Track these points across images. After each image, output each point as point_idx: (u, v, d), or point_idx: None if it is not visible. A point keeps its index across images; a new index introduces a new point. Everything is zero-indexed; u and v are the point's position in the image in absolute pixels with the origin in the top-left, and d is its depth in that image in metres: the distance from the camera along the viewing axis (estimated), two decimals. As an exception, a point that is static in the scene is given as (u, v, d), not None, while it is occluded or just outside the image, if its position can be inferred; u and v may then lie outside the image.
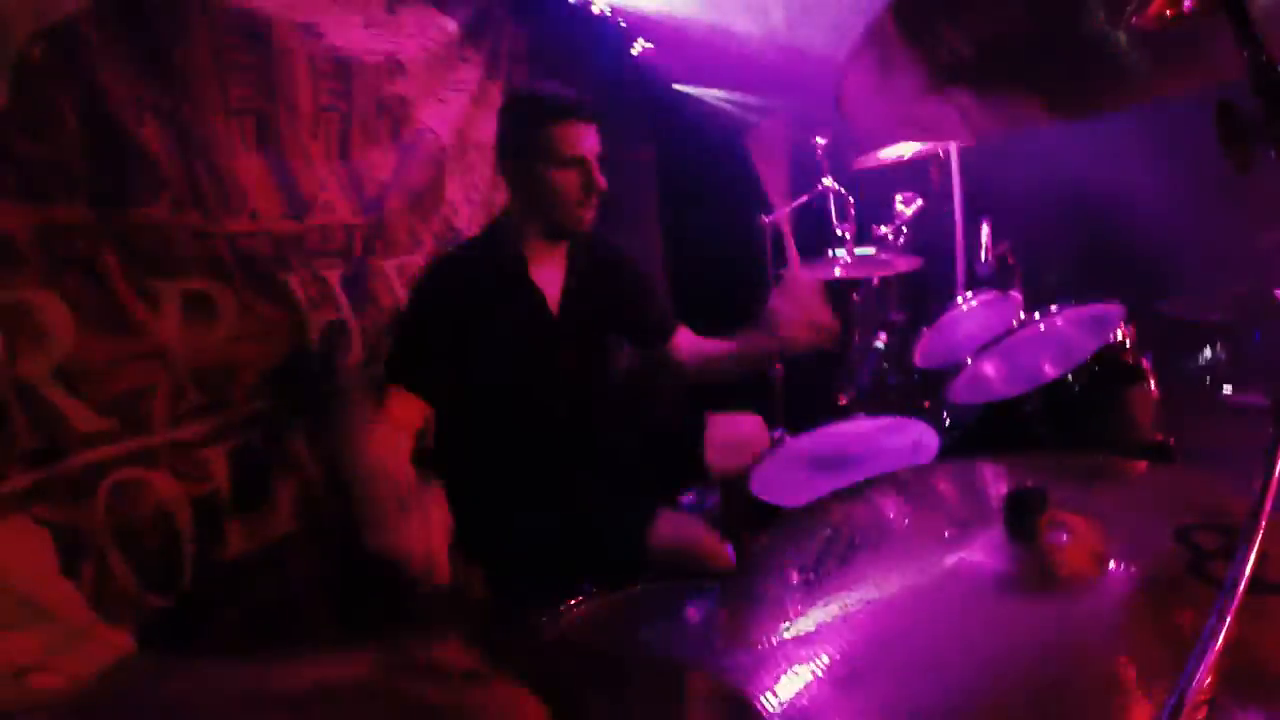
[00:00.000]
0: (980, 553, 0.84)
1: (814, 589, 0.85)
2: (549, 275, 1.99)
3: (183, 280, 1.81)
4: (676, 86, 4.85)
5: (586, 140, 1.86)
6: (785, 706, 0.70)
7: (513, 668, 0.70)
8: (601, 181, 1.89)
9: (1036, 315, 2.04)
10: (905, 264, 2.90)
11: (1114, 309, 1.73)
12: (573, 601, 1.41)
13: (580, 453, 2.05)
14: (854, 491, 1.09)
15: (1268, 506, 0.60)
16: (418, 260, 2.65)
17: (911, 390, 2.65)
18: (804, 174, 3.20)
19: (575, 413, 2.05)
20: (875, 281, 3.21)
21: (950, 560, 0.85)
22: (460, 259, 1.99)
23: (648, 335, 2.25)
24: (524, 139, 1.87)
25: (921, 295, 3.45)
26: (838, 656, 0.75)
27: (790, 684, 0.72)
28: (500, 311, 1.89)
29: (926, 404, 2.32)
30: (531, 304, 1.95)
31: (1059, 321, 1.98)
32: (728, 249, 4.37)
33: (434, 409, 1.83)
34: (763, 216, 3.35)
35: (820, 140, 3.19)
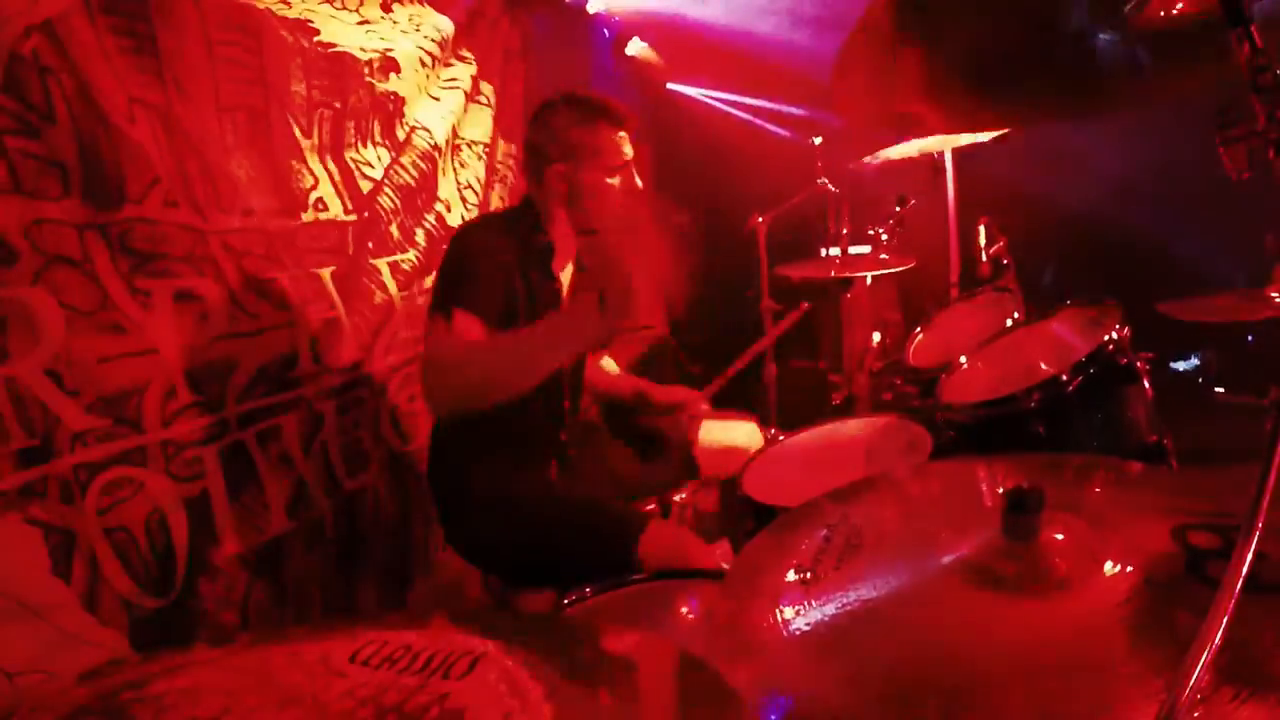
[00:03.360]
0: (976, 552, 0.84)
1: (810, 589, 0.85)
2: (563, 272, 2.01)
3: (174, 278, 1.80)
4: (671, 85, 4.86)
5: (629, 146, 1.92)
6: (781, 706, 0.69)
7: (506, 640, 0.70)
8: (640, 184, 1.94)
9: (1031, 315, 2.05)
10: (899, 263, 2.91)
11: (1109, 309, 1.73)
12: (566, 601, 1.42)
13: (572, 452, 2.05)
14: (849, 491, 1.09)
15: (1265, 506, 0.60)
16: (410, 258, 2.65)
17: (905, 390, 2.65)
18: (799, 173, 3.20)
19: (571, 412, 2.05)
20: (869, 281, 3.21)
21: (946, 560, 0.85)
22: (503, 224, 1.97)
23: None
24: (576, 140, 1.88)
25: (916, 294, 3.46)
26: (834, 656, 0.75)
27: (787, 683, 0.72)
28: (529, 286, 1.88)
29: (920, 403, 2.33)
30: (551, 292, 1.95)
31: (1054, 321, 1.98)
32: (720, 248, 4.38)
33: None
34: (755, 216, 3.35)
35: (816, 140, 3.19)
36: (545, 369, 1.67)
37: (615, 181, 1.90)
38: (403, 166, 2.66)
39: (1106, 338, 1.60)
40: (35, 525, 1.48)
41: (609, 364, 2.40)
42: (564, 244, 1.97)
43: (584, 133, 1.88)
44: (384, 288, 2.52)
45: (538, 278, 1.91)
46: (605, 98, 1.93)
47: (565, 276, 2.02)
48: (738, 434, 2.21)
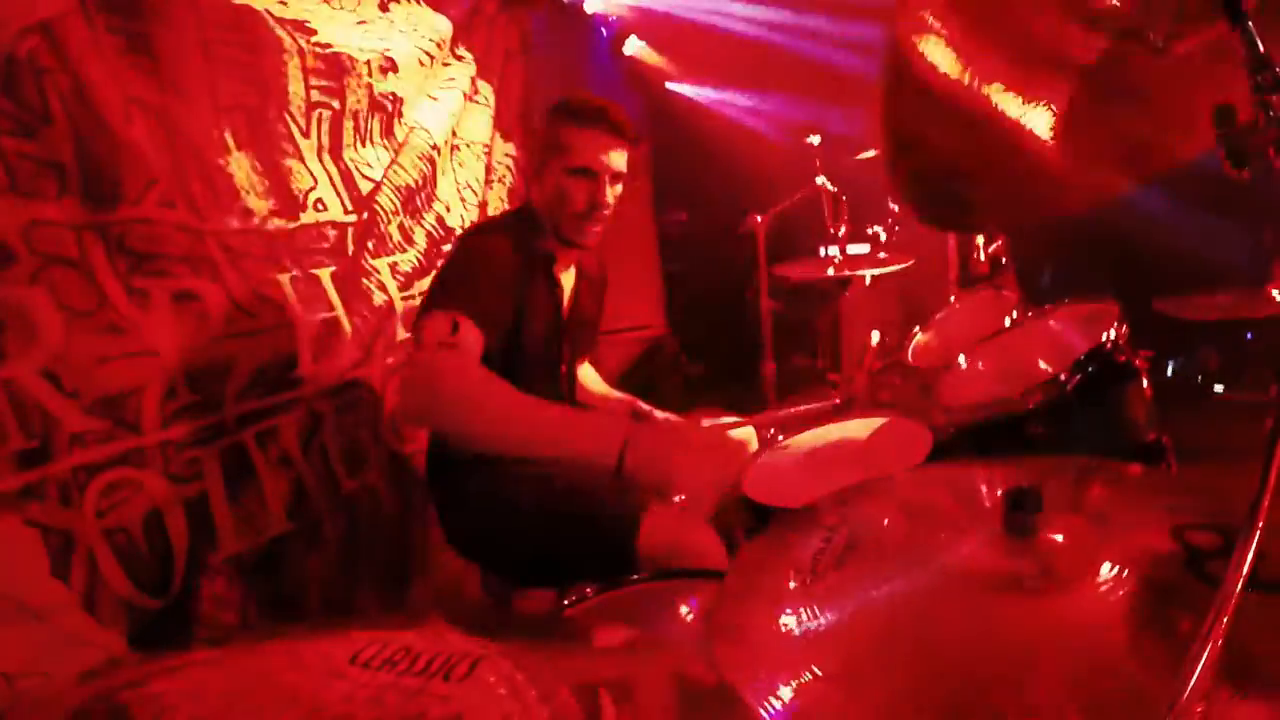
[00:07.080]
0: (976, 553, 0.84)
1: (810, 590, 0.85)
2: (564, 276, 2.00)
3: (172, 279, 1.80)
4: (669, 85, 4.86)
5: (606, 154, 1.81)
6: (782, 707, 0.69)
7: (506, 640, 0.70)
8: (605, 200, 1.84)
9: (1030, 314, 2.04)
10: (898, 262, 2.91)
11: (1108, 308, 1.73)
12: (567, 602, 1.41)
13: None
14: (848, 493, 1.09)
15: (1265, 504, 0.60)
16: (409, 259, 2.64)
17: (905, 389, 2.65)
18: (798, 172, 3.20)
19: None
20: (868, 280, 3.21)
21: (946, 560, 0.85)
22: (506, 229, 1.91)
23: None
24: (548, 136, 1.86)
25: (915, 294, 3.46)
26: (834, 657, 0.75)
27: (787, 685, 0.72)
28: (529, 293, 1.86)
29: (920, 403, 2.32)
30: (552, 299, 1.95)
31: (1052, 320, 1.98)
32: (719, 247, 4.37)
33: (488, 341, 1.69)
34: (753, 215, 3.35)
35: (813, 139, 3.19)
36: (544, 454, 1.67)
37: (577, 183, 1.81)
38: (401, 167, 2.66)
39: (1105, 336, 1.60)
40: (34, 527, 1.49)
41: (591, 377, 2.35)
42: (565, 249, 1.94)
43: (556, 127, 1.84)
44: (383, 288, 2.51)
45: (540, 285, 1.90)
46: (593, 99, 1.85)
47: (568, 280, 2.01)
48: (730, 441, 2.21)
